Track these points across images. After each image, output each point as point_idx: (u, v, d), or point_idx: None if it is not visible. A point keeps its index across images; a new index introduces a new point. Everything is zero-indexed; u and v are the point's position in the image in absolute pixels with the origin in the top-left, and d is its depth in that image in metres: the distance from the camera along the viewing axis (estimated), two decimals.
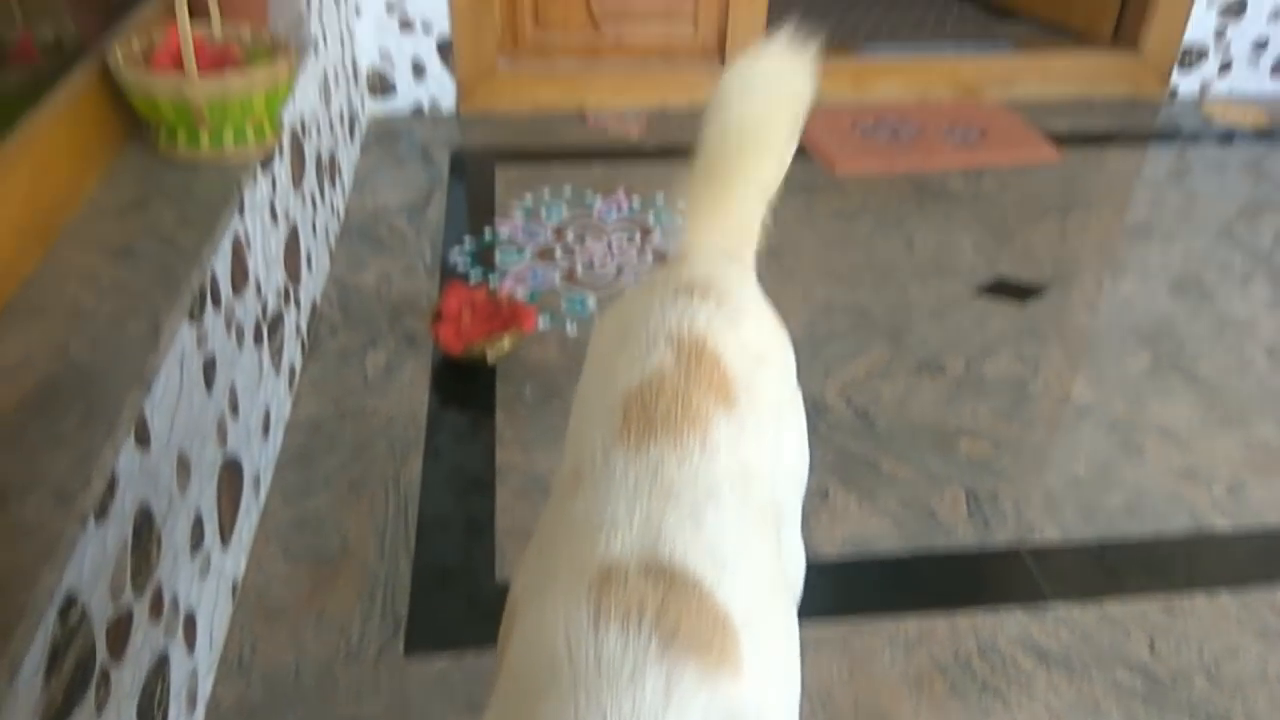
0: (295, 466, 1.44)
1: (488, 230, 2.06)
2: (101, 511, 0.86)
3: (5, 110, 1.27)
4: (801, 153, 2.48)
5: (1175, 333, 1.81)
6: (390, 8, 2.45)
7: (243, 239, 1.34)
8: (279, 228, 1.54)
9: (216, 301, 1.22)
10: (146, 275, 1.11)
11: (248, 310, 1.35)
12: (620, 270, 1.94)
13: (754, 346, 0.79)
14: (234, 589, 1.25)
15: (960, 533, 1.37)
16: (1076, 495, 1.44)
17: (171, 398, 1.05)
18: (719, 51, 2.65)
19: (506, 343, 1.63)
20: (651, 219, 2.13)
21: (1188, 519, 1.41)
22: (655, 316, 0.78)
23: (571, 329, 1.76)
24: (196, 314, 1.14)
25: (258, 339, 1.39)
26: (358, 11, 2.43)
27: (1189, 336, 1.80)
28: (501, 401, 1.58)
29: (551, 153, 2.42)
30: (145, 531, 0.97)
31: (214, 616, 1.18)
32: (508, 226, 2.08)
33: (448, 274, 1.91)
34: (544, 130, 2.53)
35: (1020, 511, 1.41)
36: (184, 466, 1.08)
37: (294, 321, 1.61)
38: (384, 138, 2.47)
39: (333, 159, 2.03)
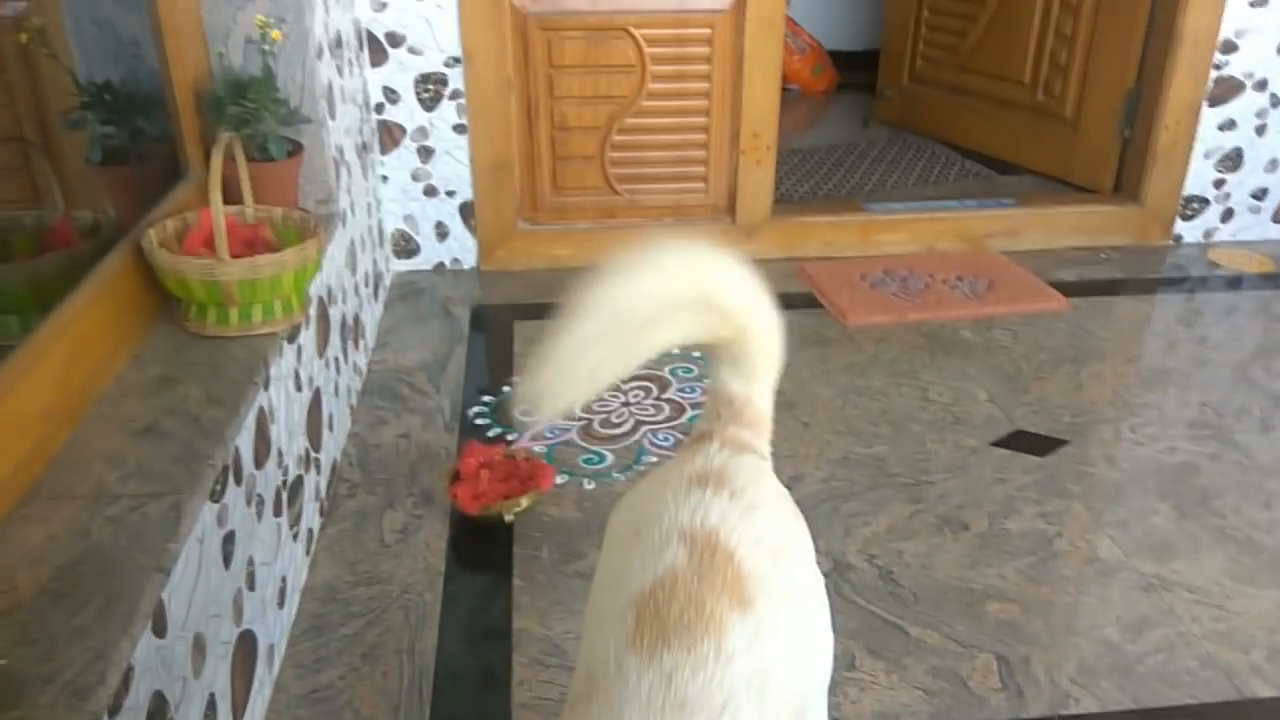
0: (309, 636, 1.42)
1: (506, 387, 2.09)
2: (115, 708, 0.85)
3: (43, 295, 1.32)
4: (814, 305, 2.53)
5: (1198, 481, 1.79)
6: (415, 175, 2.56)
7: (267, 412, 1.37)
8: (302, 395, 1.57)
9: (239, 478, 1.23)
10: (170, 455, 1.12)
11: (269, 481, 1.36)
12: (637, 426, 1.95)
13: (770, 539, 0.79)
14: None
15: (994, 704, 1.32)
16: (1110, 660, 1.40)
17: (190, 579, 1.05)
18: (729, 210, 2.75)
19: (524, 502, 1.63)
20: (667, 373, 2.15)
21: (1227, 685, 1.36)
22: (668, 511, 0.79)
23: (589, 485, 1.76)
24: (218, 493, 1.15)
25: (277, 510, 1.40)
26: (384, 180, 2.55)
27: (1212, 485, 1.78)
28: (519, 562, 1.57)
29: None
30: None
31: None
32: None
33: (467, 430, 1.93)
34: (561, 286, 2.57)
35: (1054, 679, 1.36)
36: (199, 648, 1.07)
37: (314, 485, 1.61)
38: (407, 295, 2.54)
39: (357, 320, 2.09)
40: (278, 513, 1.40)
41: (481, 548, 1.61)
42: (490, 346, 2.29)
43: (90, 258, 1.37)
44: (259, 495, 1.32)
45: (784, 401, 2.08)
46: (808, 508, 1.72)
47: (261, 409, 1.35)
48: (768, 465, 0.94)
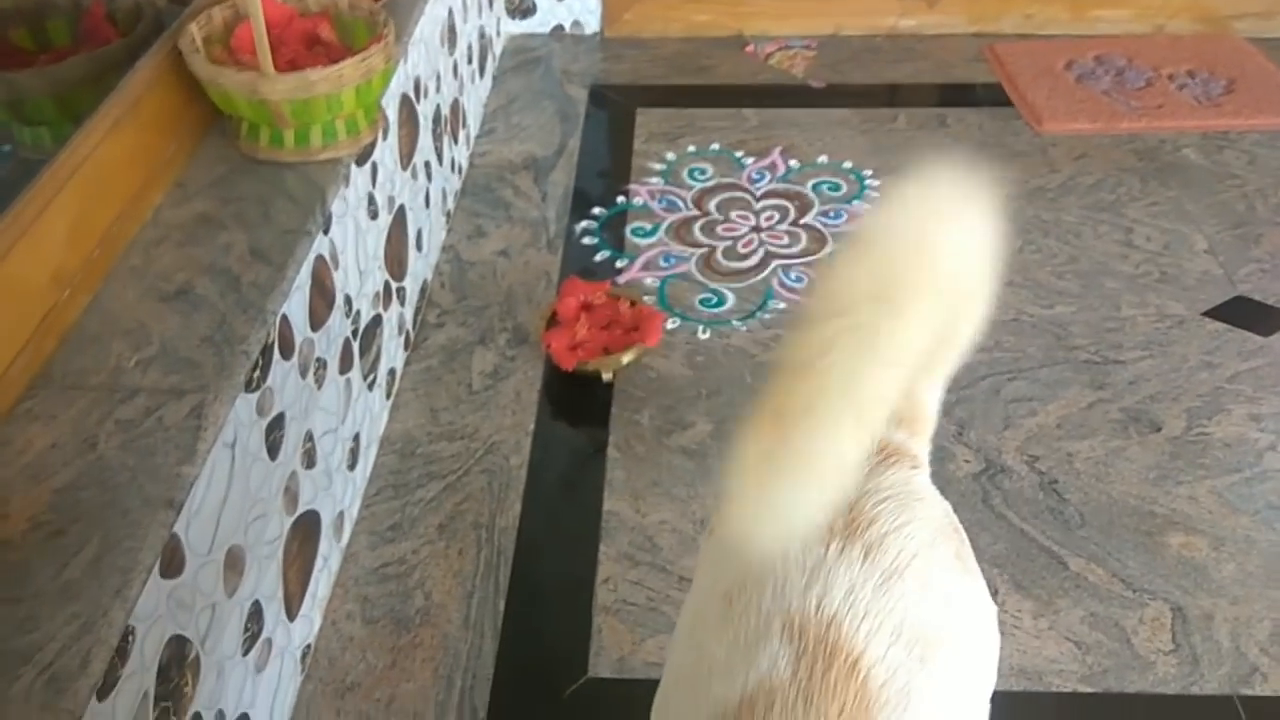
0: (385, 496, 1.31)
1: (620, 197, 1.82)
2: (108, 687, 0.73)
3: (71, 105, 1.12)
4: (1001, 102, 2.10)
5: None
6: None
7: (328, 259, 1.17)
8: (380, 220, 1.36)
9: (287, 351, 1.06)
10: (199, 333, 0.95)
11: (332, 338, 1.19)
12: (766, 259, 1.67)
13: (917, 626, 0.56)
14: (304, 655, 1.14)
15: (1160, 670, 1.10)
16: None
17: (217, 494, 0.91)
18: None
19: (625, 358, 1.43)
20: (810, 189, 1.83)
21: None
22: (771, 580, 0.56)
23: (703, 334, 1.53)
24: (257, 380, 0.98)
25: (345, 365, 1.24)
26: None
27: None
28: (616, 425, 1.39)
29: (701, 92, 2.12)
30: (175, 667, 0.84)
31: (276, 699, 1.07)
32: (644, 191, 1.83)
33: (572, 250, 1.70)
34: (695, 61, 2.22)
35: (1239, 645, 1.12)
36: (234, 564, 0.94)
37: (395, 320, 1.44)
38: (519, 66, 2.23)
39: (456, 107, 1.82)
40: (345, 368, 1.24)
41: (576, 403, 1.43)
42: (607, 141, 1.99)
43: (125, 57, 1.15)
44: (318, 360, 1.15)
45: None
46: (961, 384, 1.46)
47: (320, 257, 1.15)
48: (923, 478, 0.68)
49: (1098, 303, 1.57)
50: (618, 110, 2.08)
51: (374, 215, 1.33)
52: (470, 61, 1.95)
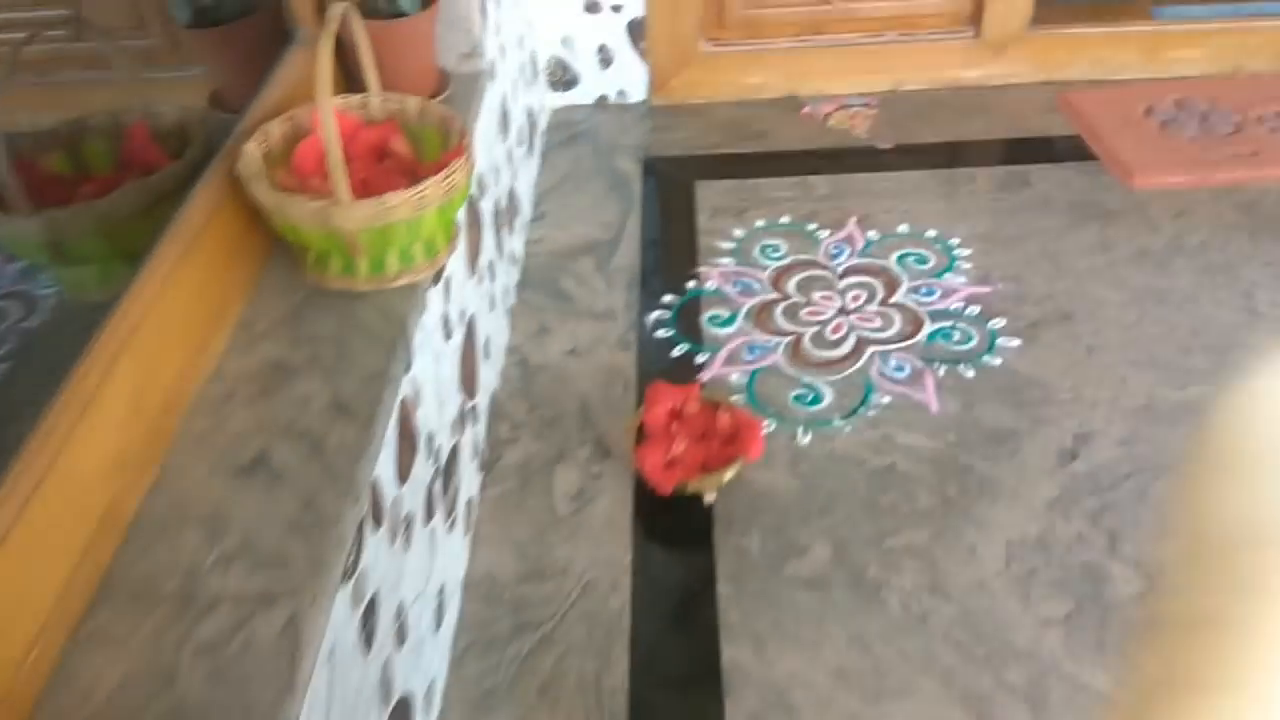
0: (474, 654, 1.16)
1: (691, 281, 1.70)
2: None
3: (123, 238, 1.00)
4: (1083, 156, 1.97)
5: None
6: None
7: (411, 399, 1.04)
8: (454, 340, 1.23)
9: (379, 518, 0.93)
10: (286, 515, 0.81)
11: (418, 487, 1.06)
12: (859, 345, 1.54)
13: None
14: None
15: None
16: None
17: (319, 709, 0.77)
18: (973, 19, 2.13)
19: (728, 475, 1.29)
20: (894, 264, 1.70)
21: None
22: None
23: (803, 438, 1.39)
24: (351, 566, 0.85)
25: (429, 514, 1.10)
26: None
27: None
28: (722, 555, 1.25)
29: (762, 160, 2.00)
30: None
31: None
32: (715, 274, 1.71)
33: (646, 345, 1.57)
34: (750, 126, 2.11)
35: None
36: None
37: (471, 443, 1.31)
38: (566, 140, 2.11)
39: (511, 196, 1.70)
40: (429, 516, 1.10)
41: (674, 528, 1.29)
42: (668, 218, 1.87)
43: (176, 183, 1.03)
44: (406, 516, 1.02)
45: (1056, 310, 1.61)
46: (1104, 486, 1.32)
47: (404, 400, 1.02)
48: None
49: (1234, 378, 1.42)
50: (675, 184, 1.96)
51: (448, 335, 1.21)
52: (521, 143, 1.84)
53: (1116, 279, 1.62)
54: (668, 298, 1.67)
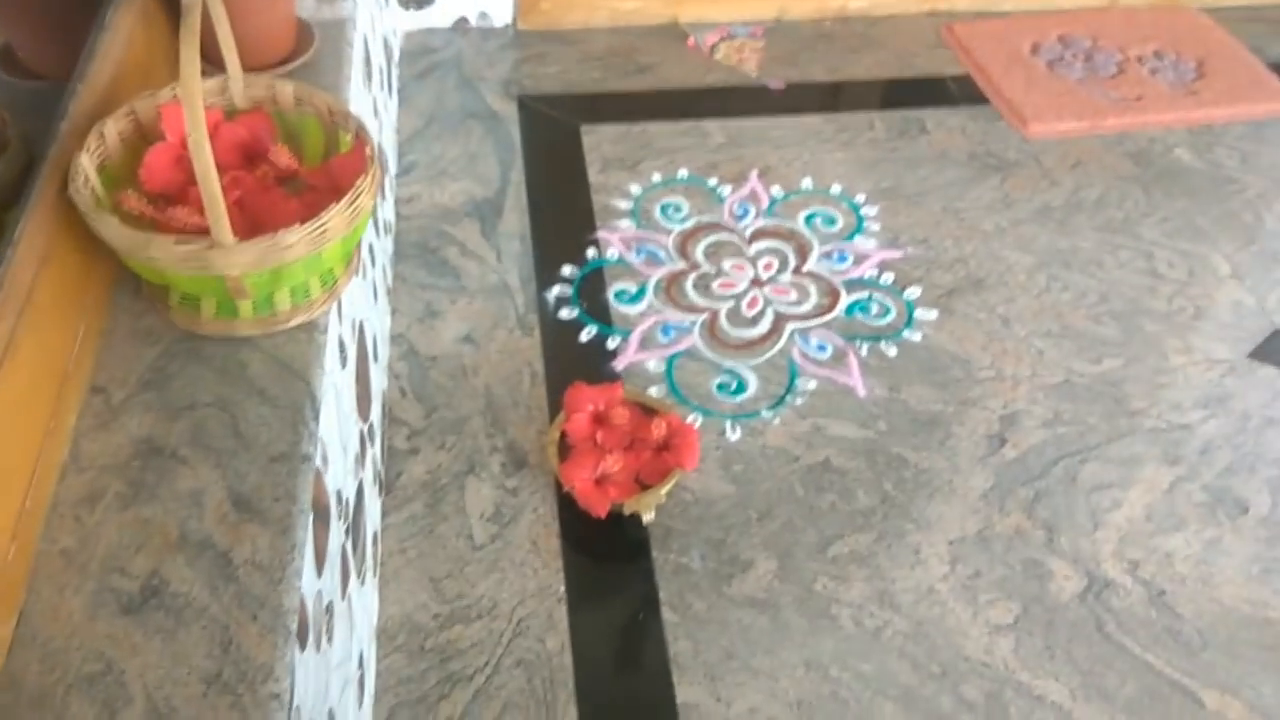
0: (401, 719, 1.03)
1: (591, 249, 1.55)
2: None
3: None
4: (977, 97, 1.92)
5: None
6: None
7: (323, 460, 0.87)
8: (349, 364, 1.05)
9: (304, 636, 0.77)
10: (198, 668, 0.65)
11: (333, 566, 0.89)
12: (778, 322, 1.45)
13: None
14: None
15: None
16: None
17: None
18: None
19: (665, 490, 1.19)
20: (803, 225, 1.61)
21: None
22: None
23: (732, 433, 1.30)
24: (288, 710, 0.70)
25: (345, 586, 0.94)
26: None
27: None
28: (663, 577, 1.16)
29: (650, 101, 1.84)
30: None
31: None
32: (616, 240, 1.56)
33: (549, 325, 1.42)
34: (632, 59, 1.93)
35: None
36: None
37: (373, 470, 1.14)
38: (425, 72, 1.87)
39: (378, 153, 1.47)
40: (345, 589, 0.95)
41: (608, 549, 1.18)
42: (556, 171, 1.69)
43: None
44: (328, 607, 0.86)
45: (968, 277, 1.57)
46: (1034, 473, 1.31)
47: (319, 472, 0.85)
48: None
49: (1144, 351, 1.44)
50: (557, 128, 1.77)
51: (344, 361, 1.02)
52: (384, 86, 1.60)
53: (1021, 240, 1.60)
54: (567, 269, 1.51)
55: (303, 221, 0.78)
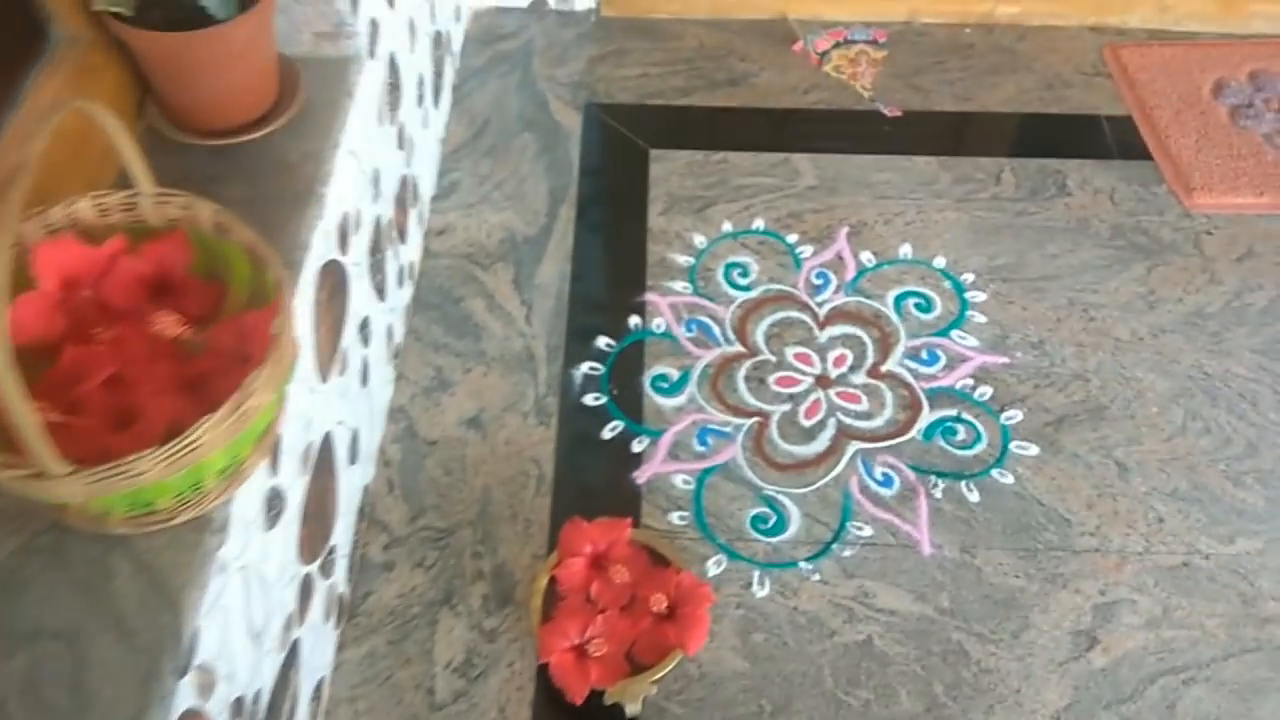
0: None
1: (634, 317, 1.33)
2: None
3: None
4: (1135, 147, 1.58)
5: None
6: None
7: (199, 693, 0.71)
8: (286, 514, 0.88)
9: None
10: None
11: None
12: (838, 439, 1.22)
13: None
14: None
15: None
16: None
17: None
18: None
19: (658, 675, 0.99)
20: (891, 307, 1.35)
21: None
22: None
23: (759, 585, 1.10)
24: None
25: None
26: None
27: None
28: None
29: (736, 120, 1.57)
30: None
31: None
32: (665, 306, 1.34)
33: (569, 416, 1.23)
34: (726, 64, 1.65)
35: None
36: None
37: (323, 606, 0.99)
38: (489, 65, 1.64)
39: (406, 186, 1.28)
40: None
41: None
42: (612, 208, 1.46)
43: None
44: None
45: (1086, 401, 1.28)
46: (1124, 694, 1.05)
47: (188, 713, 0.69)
48: None
49: None
50: (624, 151, 1.53)
51: (273, 520, 0.85)
52: (422, 102, 1.39)
53: (1162, 356, 1.30)
54: (602, 341, 1.30)
55: (185, 417, 0.61)
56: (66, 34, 0.85)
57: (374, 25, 1.11)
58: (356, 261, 1.07)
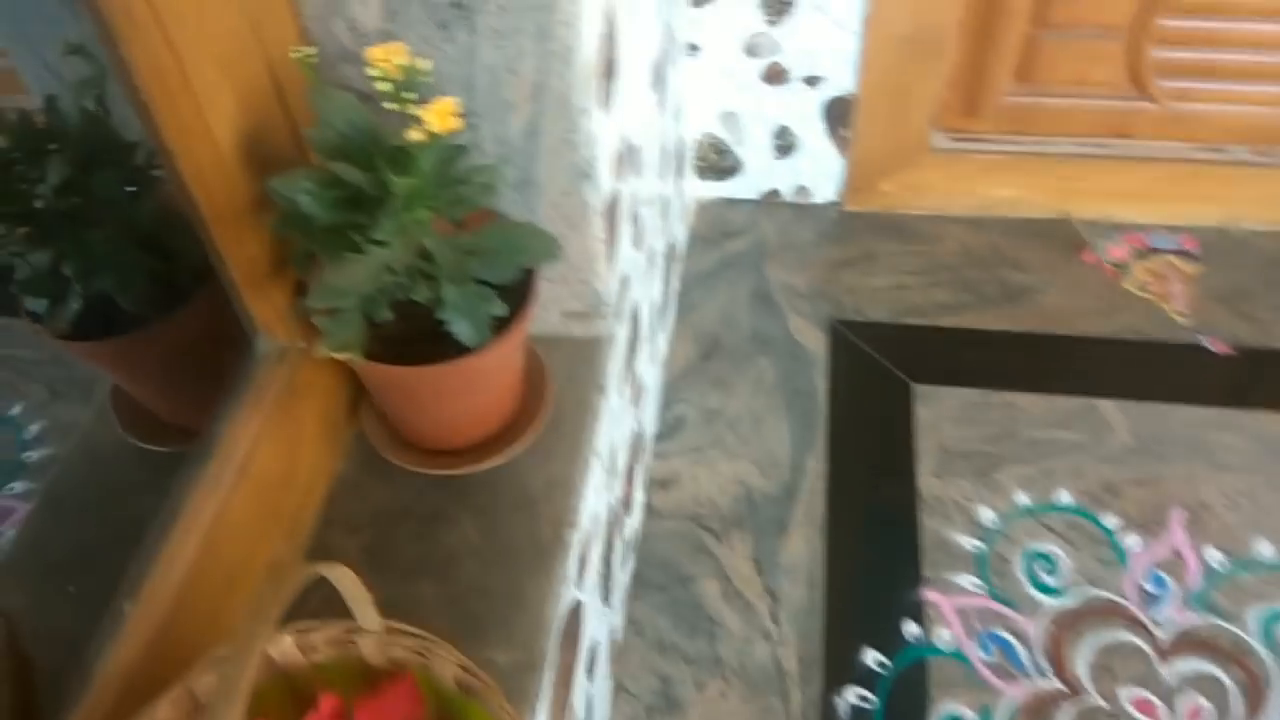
0: None
1: (911, 625, 1.05)
2: None
3: None
4: None
5: None
6: (752, 48, 1.33)
7: None
8: None
9: None
10: None
11: None
12: None
13: None
14: None
15: None
16: None
17: None
18: None
19: None
20: (1256, 632, 1.02)
21: None
22: None
23: None
24: None
25: None
26: (692, 50, 1.34)
27: None
28: None
29: (1019, 348, 1.29)
30: None
31: None
32: (950, 611, 1.05)
33: None
34: (996, 273, 1.38)
35: None
36: None
37: None
38: (714, 271, 1.42)
39: (636, 446, 1.06)
40: None
41: None
42: (869, 454, 1.20)
43: None
44: None
45: None
46: None
47: None
48: None
49: None
50: (882, 383, 1.28)
51: None
52: (655, 322, 1.18)
53: None
54: (872, 657, 1.02)
55: None
56: (274, 348, 0.66)
57: (623, 282, 0.90)
58: (590, 589, 0.84)
